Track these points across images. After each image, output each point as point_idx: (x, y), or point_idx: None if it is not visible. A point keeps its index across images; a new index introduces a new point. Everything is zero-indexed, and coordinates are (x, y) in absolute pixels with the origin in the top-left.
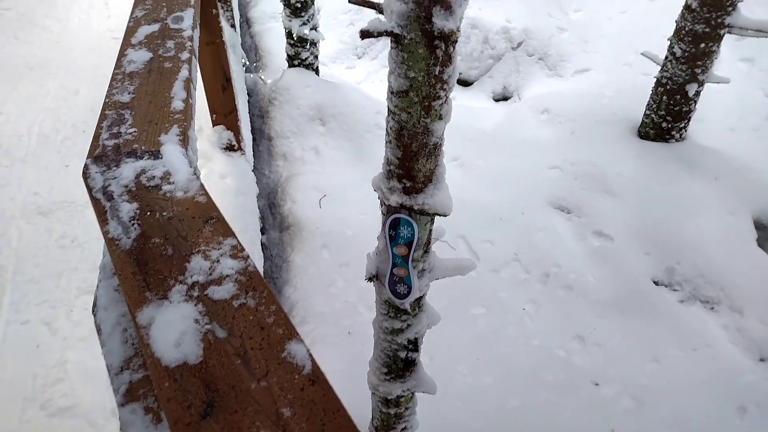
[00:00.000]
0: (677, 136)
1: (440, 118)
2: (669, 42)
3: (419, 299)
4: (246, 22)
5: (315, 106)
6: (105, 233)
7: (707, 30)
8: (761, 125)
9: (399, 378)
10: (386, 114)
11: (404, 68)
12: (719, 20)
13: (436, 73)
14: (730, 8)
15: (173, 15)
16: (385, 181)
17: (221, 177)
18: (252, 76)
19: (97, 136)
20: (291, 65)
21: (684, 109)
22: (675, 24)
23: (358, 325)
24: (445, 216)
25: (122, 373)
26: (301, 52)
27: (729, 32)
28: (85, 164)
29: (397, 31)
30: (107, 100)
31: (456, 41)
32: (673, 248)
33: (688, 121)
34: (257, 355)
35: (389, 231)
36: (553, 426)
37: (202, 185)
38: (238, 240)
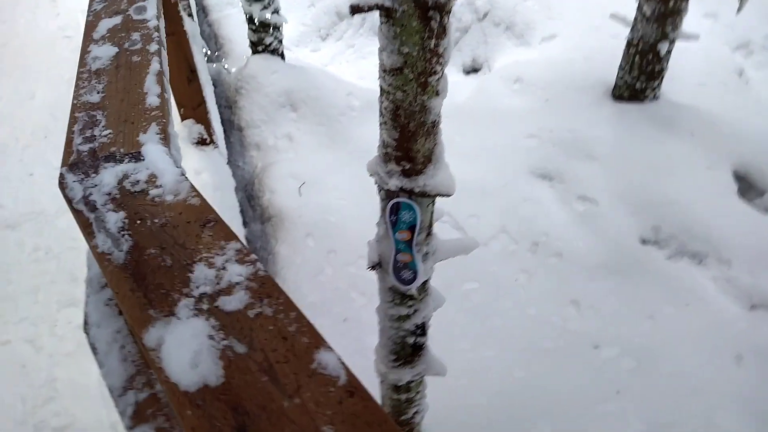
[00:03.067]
0: (651, 95)
1: (437, 94)
2: (638, 2)
3: (424, 283)
4: (202, 10)
5: (284, 93)
6: (93, 248)
7: None
8: (729, 79)
9: (408, 364)
10: (378, 95)
11: (397, 43)
12: None
13: (432, 46)
14: None
15: (135, 5)
16: (383, 165)
17: (196, 173)
18: (215, 65)
19: (69, 142)
20: (255, 52)
21: (656, 68)
22: None
23: (351, 311)
24: (449, 196)
25: (126, 393)
26: (265, 38)
27: None
28: (61, 173)
29: (388, 3)
30: (75, 102)
31: (450, 11)
32: (657, 206)
33: (661, 79)
34: (284, 369)
35: (390, 216)
36: (559, 392)
37: (192, 186)
38: (242, 242)
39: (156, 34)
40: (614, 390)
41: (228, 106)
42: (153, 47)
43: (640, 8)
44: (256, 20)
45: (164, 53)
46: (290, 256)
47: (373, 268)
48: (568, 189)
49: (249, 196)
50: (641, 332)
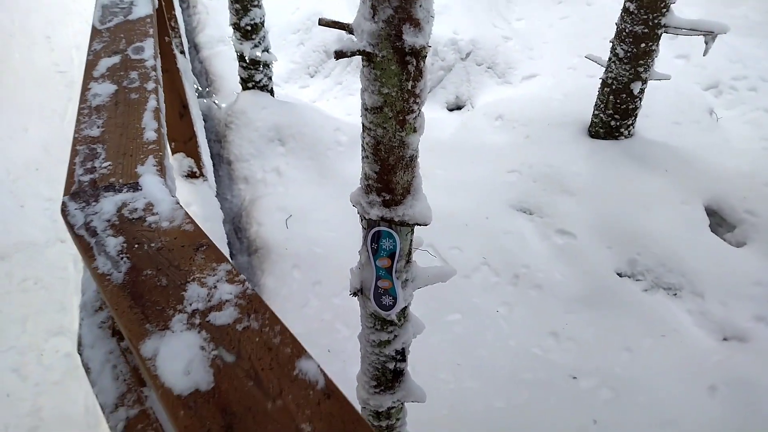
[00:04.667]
0: (626, 132)
1: (415, 131)
2: (611, 44)
3: (404, 309)
4: (194, 47)
5: (273, 128)
6: (94, 269)
7: (646, 30)
8: (701, 117)
9: (389, 389)
10: (361, 131)
11: (377, 85)
12: (656, 21)
13: (409, 87)
14: (665, 9)
15: (133, 46)
16: (365, 196)
17: (186, 205)
18: (205, 101)
19: (71, 173)
20: (245, 88)
21: (630, 107)
22: (615, 26)
23: (336, 342)
24: (426, 225)
25: (117, 410)
26: (255, 75)
27: (665, 32)
28: (63, 202)
29: (369, 49)
30: (77, 135)
31: (426, 56)
32: (633, 240)
33: (635, 117)
34: (269, 376)
35: (371, 244)
36: (539, 423)
37: (186, 213)
38: (232, 264)
39: (153, 73)
40: (591, 420)
41: (218, 140)
42: (150, 85)
43: (613, 50)
44: (246, 58)
45: (161, 91)
46: (276, 288)
47: (354, 294)
48: (547, 223)
49: (236, 228)
50: (619, 363)
